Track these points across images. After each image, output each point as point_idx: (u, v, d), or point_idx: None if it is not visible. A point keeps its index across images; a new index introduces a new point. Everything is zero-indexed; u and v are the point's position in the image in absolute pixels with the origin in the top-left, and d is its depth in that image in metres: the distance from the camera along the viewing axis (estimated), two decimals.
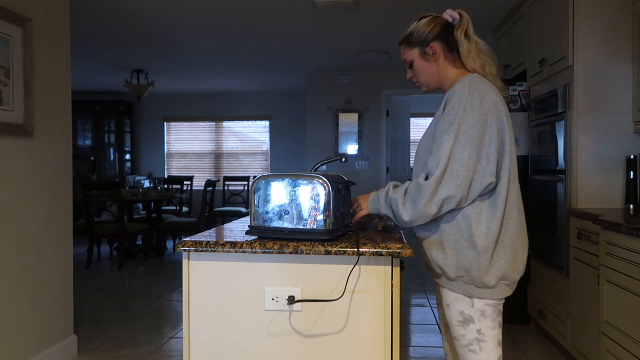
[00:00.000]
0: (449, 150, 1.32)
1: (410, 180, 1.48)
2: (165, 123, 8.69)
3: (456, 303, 1.44)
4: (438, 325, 3.44)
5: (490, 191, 1.39)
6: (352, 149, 6.51)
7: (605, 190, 2.65)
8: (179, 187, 7.23)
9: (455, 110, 1.35)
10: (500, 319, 1.46)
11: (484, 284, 1.39)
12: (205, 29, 4.54)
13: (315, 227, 1.35)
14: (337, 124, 6.53)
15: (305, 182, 1.35)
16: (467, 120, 1.33)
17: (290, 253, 1.32)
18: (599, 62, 2.63)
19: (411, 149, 7.48)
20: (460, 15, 1.48)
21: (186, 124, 8.67)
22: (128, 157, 8.53)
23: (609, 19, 2.61)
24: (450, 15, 1.48)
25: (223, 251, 1.35)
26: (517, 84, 3.38)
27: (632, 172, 2.53)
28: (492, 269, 1.38)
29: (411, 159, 7.50)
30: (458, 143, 1.32)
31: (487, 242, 1.37)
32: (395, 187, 1.45)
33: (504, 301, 1.45)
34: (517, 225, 1.43)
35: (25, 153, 2.50)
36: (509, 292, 1.44)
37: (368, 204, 1.50)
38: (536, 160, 3.23)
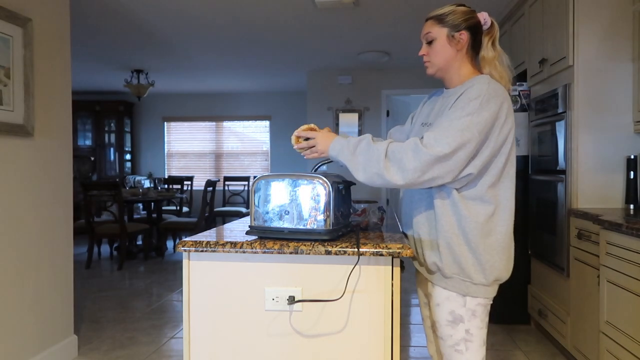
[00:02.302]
0: (460, 135, 1.30)
1: None
2: (165, 123, 8.69)
3: (447, 302, 1.46)
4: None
5: (477, 188, 1.41)
6: None
7: (605, 190, 2.65)
8: (179, 187, 7.23)
9: (472, 102, 1.34)
10: (487, 319, 1.48)
11: (480, 282, 1.41)
12: (205, 29, 4.54)
13: (315, 227, 1.35)
14: (337, 124, 6.52)
15: (305, 182, 1.35)
16: (482, 114, 1.33)
17: (290, 253, 1.32)
18: (599, 62, 2.63)
19: None
20: (492, 22, 1.50)
21: (186, 124, 8.67)
22: (128, 157, 8.53)
23: (609, 19, 2.61)
24: (483, 17, 1.49)
25: (223, 251, 1.35)
26: (517, 83, 3.38)
27: (632, 172, 2.53)
28: (487, 266, 1.41)
29: None
30: (470, 130, 1.31)
31: (477, 238, 1.40)
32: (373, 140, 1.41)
33: (491, 301, 1.48)
34: (508, 226, 1.45)
35: (25, 153, 2.50)
36: (496, 292, 1.48)
37: (330, 147, 1.44)
38: (536, 160, 3.23)
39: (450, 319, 1.45)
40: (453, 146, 1.29)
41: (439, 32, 1.48)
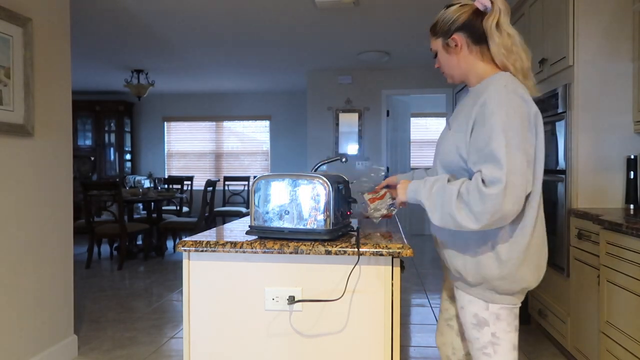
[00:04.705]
0: (504, 158, 1.20)
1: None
2: (165, 123, 8.69)
3: (470, 305, 1.40)
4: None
5: None
6: (352, 148, 6.52)
7: (606, 190, 2.65)
8: (179, 187, 7.23)
9: (496, 115, 1.24)
10: (516, 322, 1.41)
11: (505, 292, 1.35)
12: (205, 28, 4.54)
13: (315, 226, 1.35)
14: (337, 124, 6.53)
15: (305, 181, 1.35)
16: (513, 124, 1.23)
17: (290, 253, 1.32)
18: (599, 62, 2.63)
19: (411, 148, 7.48)
20: (492, 2, 1.35)
21: (186, 124, 8.67)
22: (128, 157, 8.53)
23: (609, 18, 2.61)
24: (481, 3, 1.36)
25: (223, 251, 1.35)
26: None
27: (632, 172, 2.53)
28: (516, 279, 1.33)
29: (411, 159, 7.51)
30: (510, 151, 1.21)
31: (510, 253, 1.31)
32: (448, 180, 1.33)
33: (519, 304, 1.41)
34: (541, 236, 1.36)
35: (25, 153, 2.50)
36: (523, 298, 1.42)
37: (407, 189, 1.40)
38: None
39: (474, 322, 1.40)
40: (506, 171, 1.19)
41: (436, 44, 1.45)
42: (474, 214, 1.22)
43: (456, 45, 1.40)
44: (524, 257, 1.32)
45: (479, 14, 1.37)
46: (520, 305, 1.41)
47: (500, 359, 1.38)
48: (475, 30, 1.37)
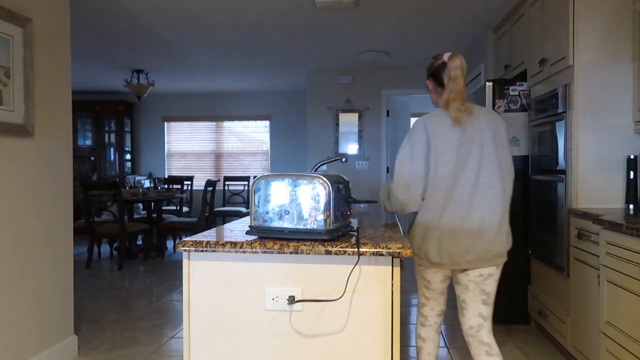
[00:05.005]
0: (396, 166, 1.86)
1: None
2: (165, 123, 8.69)
3: None
4: None
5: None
6: (352, 148, 6.51)
7: (605, 190, 2.65)
8: (179, 187, 7.23)
9: (405, 138, 1.87)
10: (425, 282, 1.97)
11: (416, 252, 1.89)
12: (205, 28, 4.54)
13: (315, 226, 1.35)
14: (337, 124, 6.53)
15: (305, 181, 1.35)
16: (410, 142, 1.84)
17: (290, 253, 1.32)
18: (599, 62, 2.63)
19: None
20: (450, 58, 1.84)
21: (186, 124, 8.67)
22: (128, 156, 8.53)
23: (609, 18, 2.61)
24: (445, 57, 1.86)
25: (223, 251, 1.35)
26: (517, 83, 3.38)
27: (632, 172, 2.53)
28: (413, 242, 1.89)
29: None
30: (400, 160, 1.84)
31: (414, 225, 1.89)
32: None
33: (429, 269, 1.92)
34: (425, 222, 1.82)
35: (25, 153, 2.50)
36: (429, 266, 1.88)
37: None
38: (536, 160, 3.23)
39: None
40: (394, 175, 1.85)
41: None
42: (389, 201, 1.91)
43: (429, 87, 1.96)
44: (416, 227, 1.86)
45: (440, 67, 1.87)
46: (424, 268, 1.93)
47: (419, 295, 2.04)
48: (438, 76, 1.88)
